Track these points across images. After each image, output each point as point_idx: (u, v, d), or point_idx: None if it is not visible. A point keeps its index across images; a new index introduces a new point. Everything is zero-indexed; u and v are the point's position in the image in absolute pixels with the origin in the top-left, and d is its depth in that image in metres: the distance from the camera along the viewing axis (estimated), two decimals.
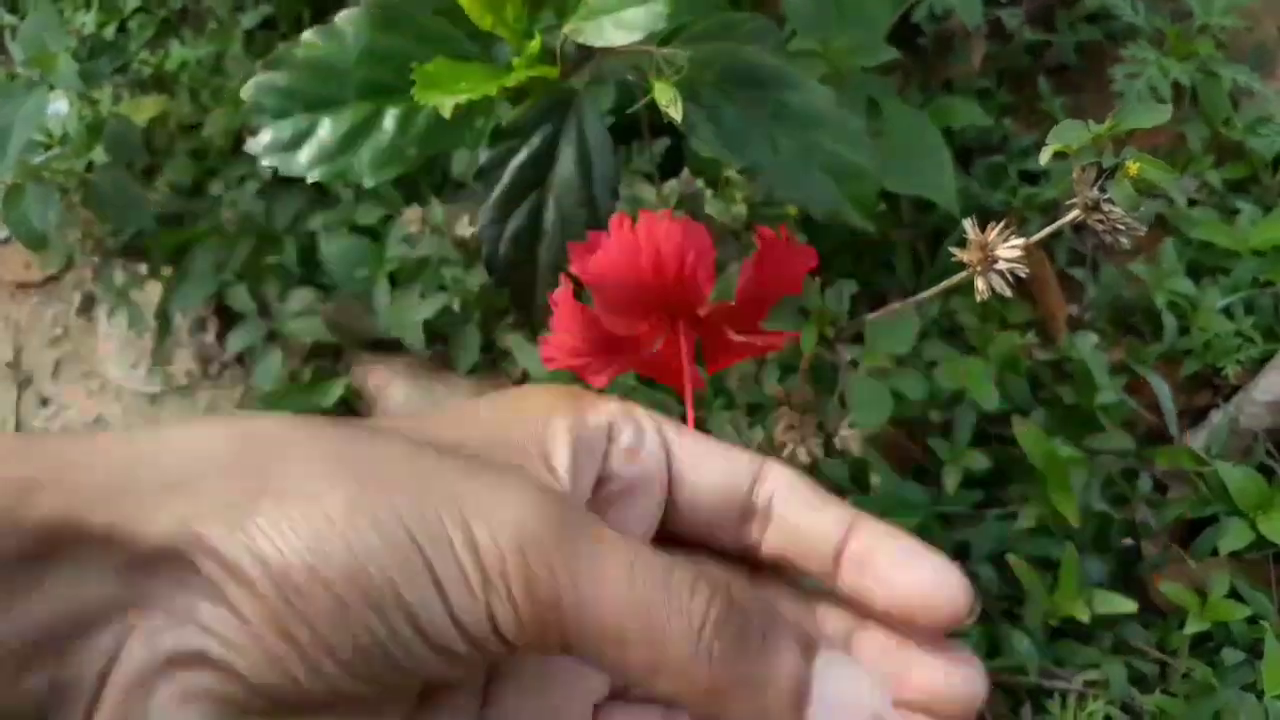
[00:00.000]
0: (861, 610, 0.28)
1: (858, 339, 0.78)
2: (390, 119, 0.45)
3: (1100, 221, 0.40)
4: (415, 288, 0.94)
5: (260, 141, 0.45)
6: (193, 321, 1.16)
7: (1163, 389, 0.80)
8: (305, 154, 0.45)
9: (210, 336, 1.15)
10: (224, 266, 1.06)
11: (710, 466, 0.29)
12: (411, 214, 0.79)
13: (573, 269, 0.47)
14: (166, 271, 1.09)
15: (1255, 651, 0.70)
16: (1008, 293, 0.42)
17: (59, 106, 1.00)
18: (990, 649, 0.75)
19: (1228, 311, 0.83)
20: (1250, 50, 0.95)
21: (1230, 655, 0.70)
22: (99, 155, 1.10)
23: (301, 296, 1.03)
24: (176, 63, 1.20)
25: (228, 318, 1.13)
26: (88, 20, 1.22)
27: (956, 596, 0.26)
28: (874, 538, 0.27)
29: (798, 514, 0.28)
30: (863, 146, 0.47)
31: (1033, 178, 0.95)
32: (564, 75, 0.50)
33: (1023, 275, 0.42)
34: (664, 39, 0.49)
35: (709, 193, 0.74)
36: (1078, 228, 0.45)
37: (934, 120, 0.92)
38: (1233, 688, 0.67)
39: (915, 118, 0.88)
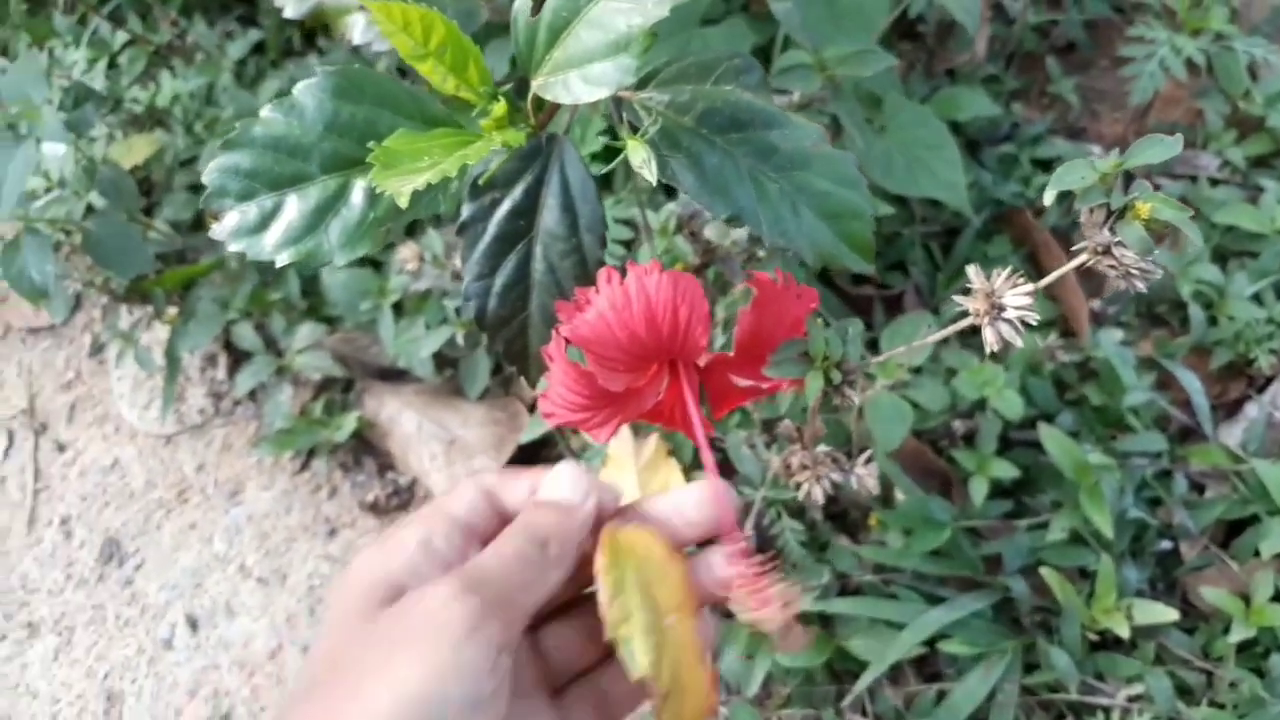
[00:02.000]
0: None
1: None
2: (358, 192, 0.43)
3: (1112, 267, 0.37)
4: (420, 319, 0.92)
5: (226, 226, 0.43)
6: (203, 359, 1.15)
7: (1194, 384, 0.77)
8: (272, 236, 0.43)
9: (221, 373, 1.14)
10: (228, 304, 1.05)
11: None
12: (407, 251, 0.77)
13: (560, 331, 0.45)
14: (172, 312, 1.08)
15: None
16: (1019, 342, 0.39)
17: (56, 150, 0.99)
18: (1028, 664, 0.73)
19: (1257, 298, 0.79)
20: (1264, 21, 0.91)
21: (1279, 662, 0.67)
22: (97, 197, 1.08)
23: (308, 331, 1.01)
24: (168, 98, 1.18)
25: (237, 354, 1.12)
26: (78, 58, 1.20)
27: None
28: None
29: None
30: (856, 184, 0.44)
31: (1047, 165, 0.92)
32: (540, 126, 0.48)
33: (1033, 323, 0.39)
34: (639, 83, 0.47)
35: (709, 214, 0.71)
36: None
37: (940, 112, 0.89)
38: None
39: (920, 114, 0.85)
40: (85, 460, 1.12)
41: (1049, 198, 0.39)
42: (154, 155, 1.17)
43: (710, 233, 0.70)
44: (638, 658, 0.38)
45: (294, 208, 0.43)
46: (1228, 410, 0.79)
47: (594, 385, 0.46)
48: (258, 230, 0.43)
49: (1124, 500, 0.74)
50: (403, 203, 0.35)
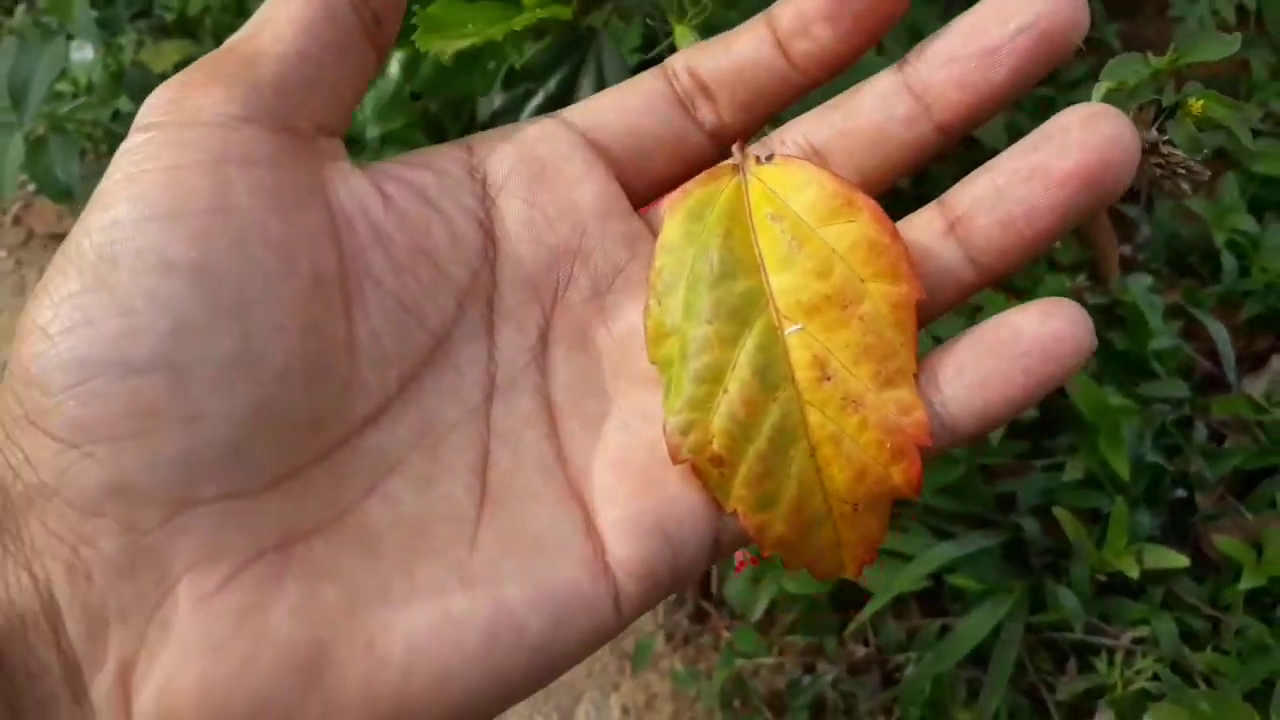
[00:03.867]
0: None
1: None
2: (395, 65, 0.43)
3: (1159, 165, 0.36)
4: None
5: None
6: None
7: (1221, 333, 0.76)
8: None
9: None
10: None
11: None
12: None
13: None
14: None
15: None
16: (1056, 242, 0.39)
17: (84, 54, 0.98)
18: (1034, 604, 0.73)
19: None
20: None
21: None
22: (125, 104, 1.08)
23: None
24: (199, 6, 1.17)
25: None
26: None
27: None
28: None
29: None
30: None
31: None
32: (581, 13, 0.47)
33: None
34: None
35: None
36: None
37: None
38: None
39: None
40: None
41: (1097, 95, 0.38)
42: (182, 64, 1.17)
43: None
44: (680, 412, 0.24)
45: None
46: (1253, 362, 0.79)
47: None
48: None
49: (1142, 445, 0.73)
50: (446, 59, 0.35)
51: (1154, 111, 0.37)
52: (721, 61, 0.26)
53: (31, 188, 1.24)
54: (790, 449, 0.23)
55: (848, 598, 0.76)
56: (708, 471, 0.23)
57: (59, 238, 1.23)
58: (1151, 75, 0.37)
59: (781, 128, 0.27)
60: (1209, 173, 0.38)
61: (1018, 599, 0.71)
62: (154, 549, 0.20)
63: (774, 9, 0.26)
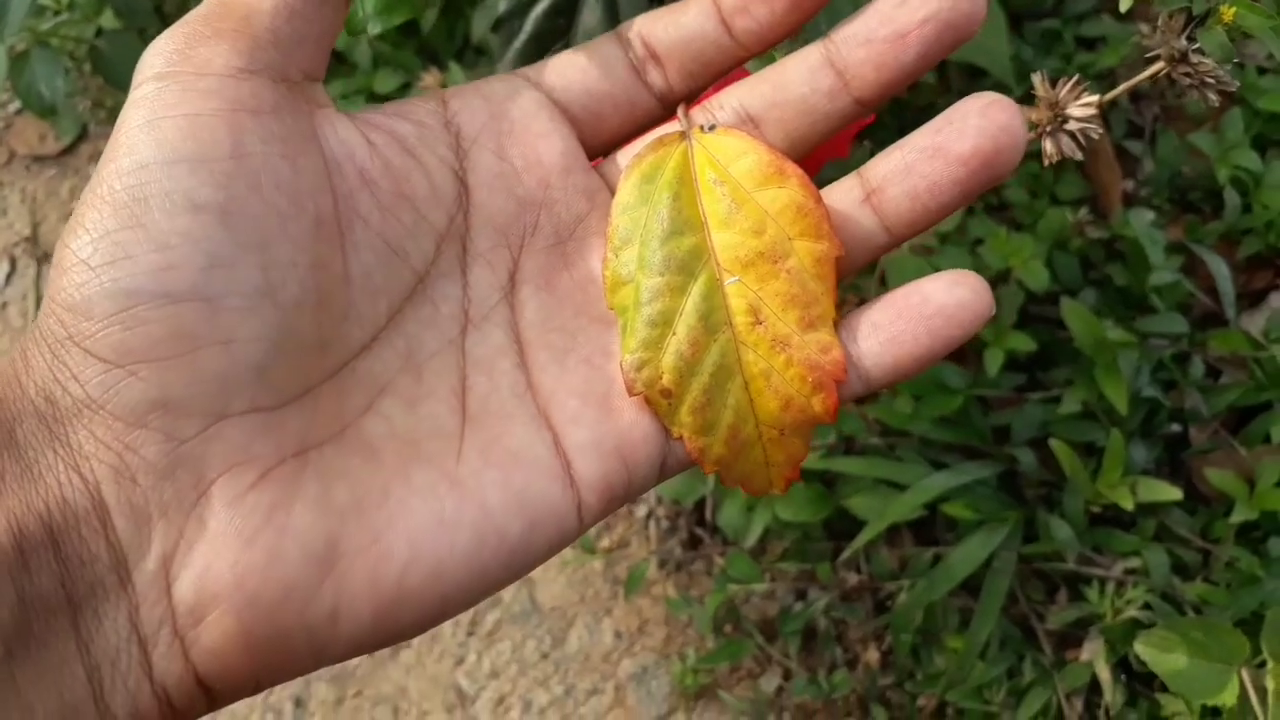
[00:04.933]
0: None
1: None
2: None
3: (1187, 74, 0.36)
4: None
5: None
6: None
7: (1221, 269, 0.76)
8: None
9: None
10: None
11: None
12: (430, 78, 0.75)
13: None
14: None
15: None
16: (1079, 155, 0.38)
17: None
18: (1027, 535, 0.73)
19: None
20: None
21: (1277, 545, 0.68)
22: (109, 20, 1.06)
23: None
24: None
25: None
26: None
27: None
28: None
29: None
30: None
31: (1090, 44, 0.89)
32: None
33: (1095, 136, 0.38)
34: None
35: None
36: (1135, 98, 0.41)
37: None
38: (1279, 578, 0.65)
39: None
40: None
41: (1125, 3, 0.37)
42: None
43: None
44: (635, 351, 0.27)
45: None
46: (1252, 299, 0.79)
47: None
48: None
49: (1139, 379, 0.73)
50: None
51: (1184, 20, 0.36)
52: (671, 32, 0.28)
53: (13, 108, 1.22)
54: (728, 383, 0.27)
55: (841, 526, 0.76)
56: (658, 402, 0.26)
57: (41, 159, 1.20)
58: None
59: (719, 94, 0.29)
60: (1237, 84, 0.37)
61: (1011, 529, 0.72)
62: (192, 455, 0.22)
63: None
